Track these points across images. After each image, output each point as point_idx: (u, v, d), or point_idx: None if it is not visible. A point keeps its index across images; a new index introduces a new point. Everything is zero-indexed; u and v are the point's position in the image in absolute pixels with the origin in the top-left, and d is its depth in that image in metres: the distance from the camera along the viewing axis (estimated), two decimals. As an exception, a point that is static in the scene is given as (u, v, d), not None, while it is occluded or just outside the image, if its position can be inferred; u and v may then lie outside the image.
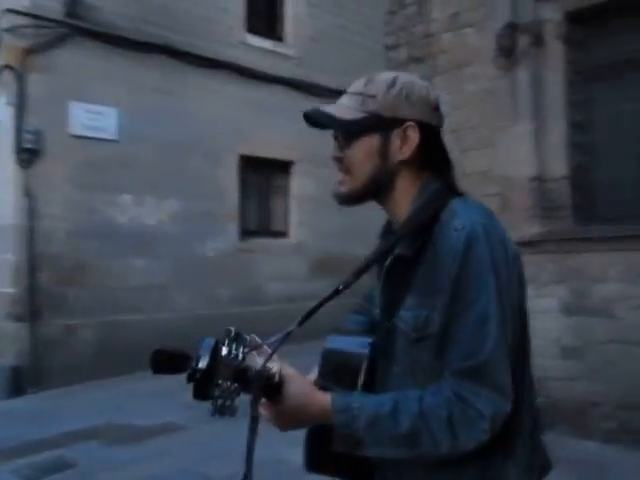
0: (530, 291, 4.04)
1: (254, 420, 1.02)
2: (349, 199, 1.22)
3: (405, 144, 1.15)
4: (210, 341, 1.04)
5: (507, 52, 4.74)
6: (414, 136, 1.15)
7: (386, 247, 1.17)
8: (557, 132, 4.62)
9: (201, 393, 1.02)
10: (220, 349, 1.02)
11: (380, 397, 1.08)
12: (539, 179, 4.63)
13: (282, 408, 1.07)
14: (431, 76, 5.16)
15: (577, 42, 4.66)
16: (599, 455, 4.01)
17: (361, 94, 1.17)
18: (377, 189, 1.19)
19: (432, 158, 1.19)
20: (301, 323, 1.10)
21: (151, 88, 7.40)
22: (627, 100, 4.48)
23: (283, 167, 9.08)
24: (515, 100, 4.72)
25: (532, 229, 4.63)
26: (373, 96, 1.16)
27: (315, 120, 1.21)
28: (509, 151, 4.74)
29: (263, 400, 1.07)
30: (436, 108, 1.20)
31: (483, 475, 1.08)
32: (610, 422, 4.20)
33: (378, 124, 1.16)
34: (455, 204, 1.11)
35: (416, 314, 1.10)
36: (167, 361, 1.05)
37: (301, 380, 1.11)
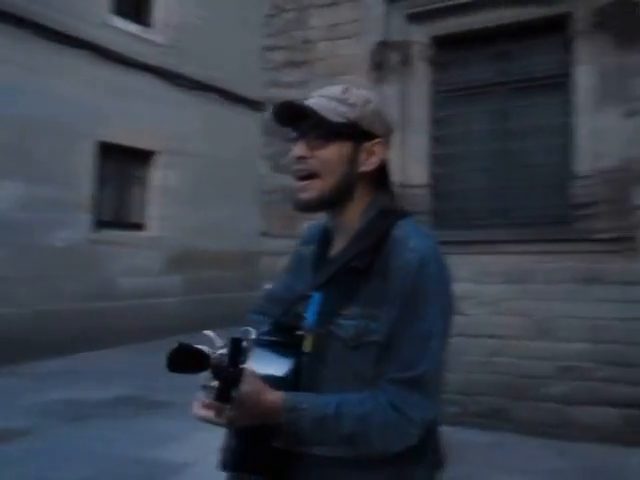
0: None
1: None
2: (315, 204, 1.24)
3: (371, 157, 1.23)
4: (239, 341, 1.04)
5: (378, 67, 5.15)
6: (379, 152, 1.24)
7: (348, 258, 1.20)
8: (420, 144, 5.12)
9: (226, 394, 1.02)
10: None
11: (324, 398, 1.13)
12: (403, 186, 5.09)
13: (242, 402, 1.07)
14: (308, 81, 5.41)
15: (440, 64, 5.20)
16: (448, 437, 4.51)
17: (341, 101, 1.21)
18: (339, 196, 1.23)
19: (383, 176, 1.29)
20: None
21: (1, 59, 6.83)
22: (476, 120, 5.11)
23: (144, 157, 8.81)
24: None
25: (395, 231, 5.07)
26: (354, 105, 1.21)
27: (291, 112, 1.23)
28: (377, 158, 5.14)
29: (216, 405, 1.08)
30: (391, 134, 1.30)
31: (399, 473, 1.19)
32: (454, 407, 4.76)
33: (355, 133, 1.21)
34: (406, 225, 1.20)
35: (358, 323, 1.15)
36: (189, 359, 1.03)
37: (254, 377, 1.11)
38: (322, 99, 1.22)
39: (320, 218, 1.36)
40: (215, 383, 1.03)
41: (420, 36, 5.17)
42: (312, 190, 1.21)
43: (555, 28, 4.72)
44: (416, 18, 5.15)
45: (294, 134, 1.25)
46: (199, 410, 1.11)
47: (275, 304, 1.41)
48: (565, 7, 4.63)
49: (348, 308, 1.18)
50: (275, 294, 1.49)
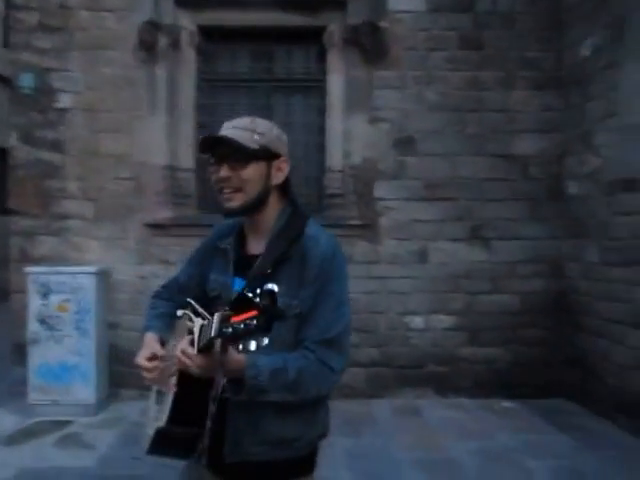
0: (159, 271, 4.86)
1: None
2: (240, 210, 1.58)
3: (280, 172, 1.60)
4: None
5: (147, 47, 5.17)
6: (285, 168, 1.61)
7: (281, 251, 1.54)
8: (187, 129, 5.32)
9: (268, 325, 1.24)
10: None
11: (272, 357, 1.44)
12: (171, 168, 5.24)
13: (212, 358, 1.35)
14: (66, 50, 5.14)
15: (208, 54, 5.48)
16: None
17: (252, 130, 1.55)
18: (258, 203, 1.58)
19: (287, 186, 1.65)
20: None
21: None
22: (241, 112, 5.52)
23: None
24: (152, 93, 5.19)
25: (163, 214, 5.19)
26: (262, 134, 1.56)
27: (211, 142, 1.55)
28: (145, 139, 5.17)
29: (192, 351, 1.35)
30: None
31: (311, 414, 1.60)
32: (223, 380, 5.11)
33: (266, 155, 1.57)
34: (313, 225, 1.61)
35: (284, 300, 1.47)
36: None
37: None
38: (237, 130, 1.54)
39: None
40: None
41: (188, 23, 5.35)
42: (236, 200, 1.56)
43: (313, 37, 5.41)
44: (184, 4, 5.30)
45: (212, 159, 1.57)
46: (181, 357, 1.36)
47: (180, 291, 1.75)
48: (322, 20, 5.35)
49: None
50: (180, 283, 1.80)
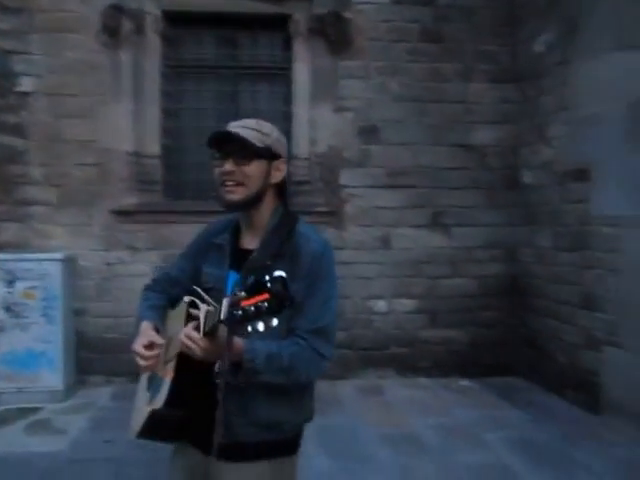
0: (126, 257, 4.87)
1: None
2: (240, 204, 1.69)
3: (278, 172, 1.72)
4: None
5: (111, 32, 5.16)
6: (283, 168, 1.74)
7: (276, 246, 1.66)
8: (152, 115, 5.33)
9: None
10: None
11: (267, 343, 1.57)
12: (137, 155, 5.26)
13: (215, 342, 1.47)
14: (27, 32, 5.07)
15: (172, 39, 5.49)
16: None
17: (259, 131, 1.68)
18: (256, 199, 1.70)
19: (284, 186, 1.77)
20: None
21: None
22: (207, 98, 5.60)
23: None
24: (117, 79, 5.18)
25: (129, 200, 5.21)
26: (267, 135, 1.69)
27: (226, 140, 1.65)
28: (110, 125, 5.16)
29: (197, 335, 1.46)
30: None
31: (298, 398, 1.73)
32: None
33: (269, 154, 1.69)
34: (303, 224, 1.74)
35: None
36: None
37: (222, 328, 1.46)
38: (246, 129, 1.67)
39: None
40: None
41: (153, 7, 5.34)
42: (238, 194, 1.67)
43: (279, 25, 5.50)
44: (148, -12, 5.32)
45: (217, 154, 1.68)
46: (186, 341, 1.48)
47: (172, 285, 1.88)
48: (287, 9, 5.43)
49: None
50: (172, 276, 1.91)
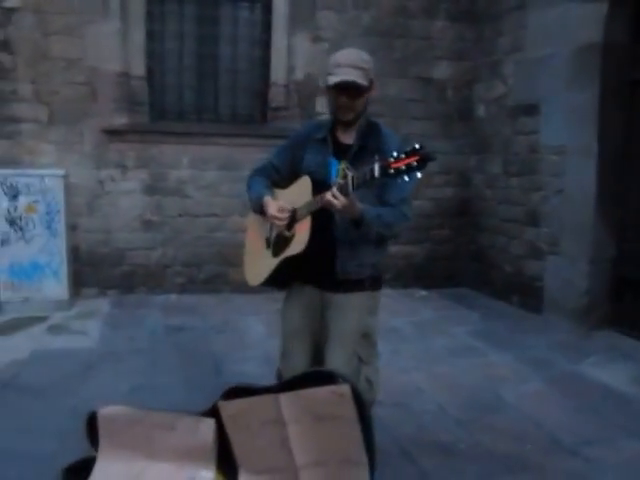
0: (117, 175, 5.69)
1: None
2: (351, 121, 2.48)
3: (373, 92, 2.50)
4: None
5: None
6: (374, 88, 2.50)
7: (370, 142, 2.49)
8: (138, 37, 5.82)
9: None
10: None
11: (376, 208, 2.37)
12: (125, 75, 5.76)
13: (350, 201, 2.24)
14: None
15: (155, -39, 5.95)
16: (180, 302, 5.79)
17: (363, 69, 2.37)
18: (360, 116, 2.50)
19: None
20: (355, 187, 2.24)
21: None
22: (189, 22, 6.13)
23: None
24: (104, -2, 5.64)
25: (119, 120, 5.75)
26: (368, 70, 2.40)
27: (348, 86, 2.36)
28: (98, 45, 5.59)
29: (338, 194, 2.22)
30: None
31: (384, 248, 2.63)
32: (182, 278, 6.01)
33: (370, 87, 2.45)
34: (382, 125, 2.58)
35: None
36: None
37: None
38: (357, 70, 2.36)
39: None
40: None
41: None
42: (349, 115, 2.47)
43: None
44: None
45: (333, 89, 2.41)
46: (331, 199, 2.23)
47: (275, 171, 2.72)
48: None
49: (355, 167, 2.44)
50: (274, 165, 2.74)
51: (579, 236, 5.14)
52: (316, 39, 6.16)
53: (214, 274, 6.08)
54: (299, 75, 6.17)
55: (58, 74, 5.56)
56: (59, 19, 5.51)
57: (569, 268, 5.27)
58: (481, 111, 6.53)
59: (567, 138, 5.30)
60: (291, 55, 6.14)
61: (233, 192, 5.95)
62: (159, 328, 5.02)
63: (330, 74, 2.39)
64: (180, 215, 5.97)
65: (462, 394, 3.74)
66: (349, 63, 2.39)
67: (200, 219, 6.01)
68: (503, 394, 3.74)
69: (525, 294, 5.83)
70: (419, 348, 4.77)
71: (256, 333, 5.02)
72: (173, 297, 5.91)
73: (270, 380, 2.57)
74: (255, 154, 5.99)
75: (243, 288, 6.12)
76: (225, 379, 3.91)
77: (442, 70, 6.54)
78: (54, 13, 5.50)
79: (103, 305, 5.56)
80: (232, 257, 6.07)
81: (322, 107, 6.18)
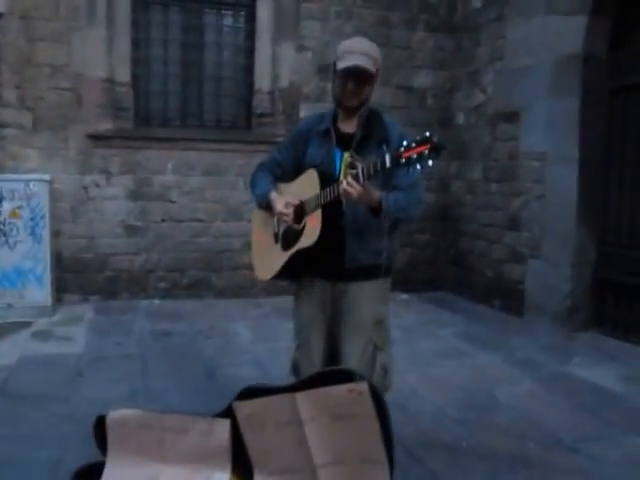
0: (101, 180, 5.60)
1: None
2: (355, 108, 2.47)
3: (375, 84, 2.50)
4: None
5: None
6: (377, 80, 2.49)
7: (373, 131, 2.46)
8: (124, 44, 5.74)
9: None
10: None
11: (391, 193, 2.36)
12: (110, 81, 5.67)
13: (366, 189, 2.25)
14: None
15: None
16: (163, 308, 5.69)
17: (373, 57, 2.38)
18: (364, 103, 2.48)
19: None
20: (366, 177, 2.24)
21: None
22: (174, 30, 6.07)
23: None
24: (91, 6, 5.54)
25: (103, 126, 5.65)
26: (376, 59, 2.41)
27: (358, 71, 2.36)
28: (84, 51, 5.51)
29: (354, 183, 2.20)
30: None
31: (395, 237, 2.59)
32: (165, 283, 5.90)
33: (376, 75, 2.45)
34: (384, 115, 2.56)
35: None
36: None
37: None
38: (365, 57, 2.37)
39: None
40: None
41: None
42: (355, 101, 2.46)
43: (244, -38, 6.08)
44: None
45: (342, 75, 2.40)
46: (348, 188, 2.20)
47: (279, 166, 2.71)
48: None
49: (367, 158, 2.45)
50: (277, 160, 2.74)
51: (561, 240, 5.22)
52: (300, 48, 6.16)
53: (197, 279, 6.01)
54: (283, 83, 6.16)
55: (43, 80, 5.45)
56: (45, 25, 5.43)
57: (551, 271, 5.33)
58: (460, 119, 6.60)
59: (548, 145, 5.39)
60: (275, 63, 6.13)
61: (217, 197, 5.91)
62: (146, 333, 4.93)
63: (339, 59, 2.40)
64: (164, 220, 5.88)
65: (457, 395, 3.74)
66: (360, 50, 2.40)
67: (184, 224, 5.94)
68: (497, 394, 3.75)
69: (506, 297, 5.88)
70: (407, 350, 4.74)
71: (244, 338, 4.96)
72: (156, 302, 5.82)
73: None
74: (239, 160, 6.02)
75: (226, 293, 6.22)
76: (219, 383, 3.87)
77: (422, 79, 6.61)
78: (40, 19, 5.41)
79: (86, 311, 5.45)
80: (215, 262, 6.03)
81: (307, 113, 6.18)
